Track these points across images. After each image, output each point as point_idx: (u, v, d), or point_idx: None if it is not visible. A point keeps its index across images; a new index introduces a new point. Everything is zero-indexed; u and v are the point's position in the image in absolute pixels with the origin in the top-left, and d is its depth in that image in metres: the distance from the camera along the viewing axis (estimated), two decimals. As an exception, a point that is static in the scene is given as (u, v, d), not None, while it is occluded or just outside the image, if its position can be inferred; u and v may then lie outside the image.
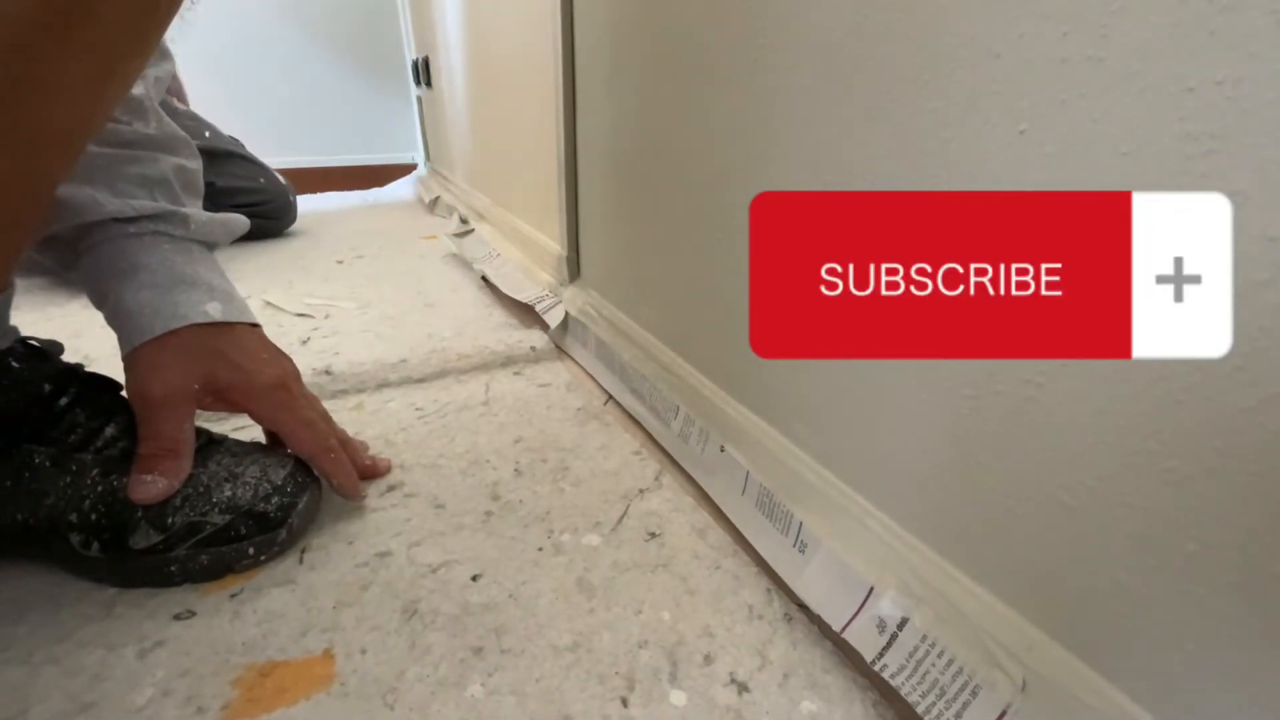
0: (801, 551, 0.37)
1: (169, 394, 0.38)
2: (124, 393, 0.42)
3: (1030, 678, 0.27)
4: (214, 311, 0.41)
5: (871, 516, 0.35)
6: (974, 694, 0.28)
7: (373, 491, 0.47)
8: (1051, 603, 0.27)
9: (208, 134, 1.10)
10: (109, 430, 0.39)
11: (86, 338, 0.70)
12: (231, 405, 0.41)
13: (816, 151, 0.34)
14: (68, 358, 0.41)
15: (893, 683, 0.30)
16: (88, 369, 0.41)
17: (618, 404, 0.59)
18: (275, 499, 0.40)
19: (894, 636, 0.31)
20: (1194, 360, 0.20)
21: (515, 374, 0.67)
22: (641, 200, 0.53)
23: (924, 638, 0.31)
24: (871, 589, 0.33)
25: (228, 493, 0.39)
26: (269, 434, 0.45)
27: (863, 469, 0.36)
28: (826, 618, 0.34)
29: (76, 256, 0.40)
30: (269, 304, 0.83)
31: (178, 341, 0.39)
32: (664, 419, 0.52)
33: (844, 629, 0.33)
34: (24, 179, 0.31)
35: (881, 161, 0.30)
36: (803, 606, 0.37)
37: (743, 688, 0.33)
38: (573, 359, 0.70)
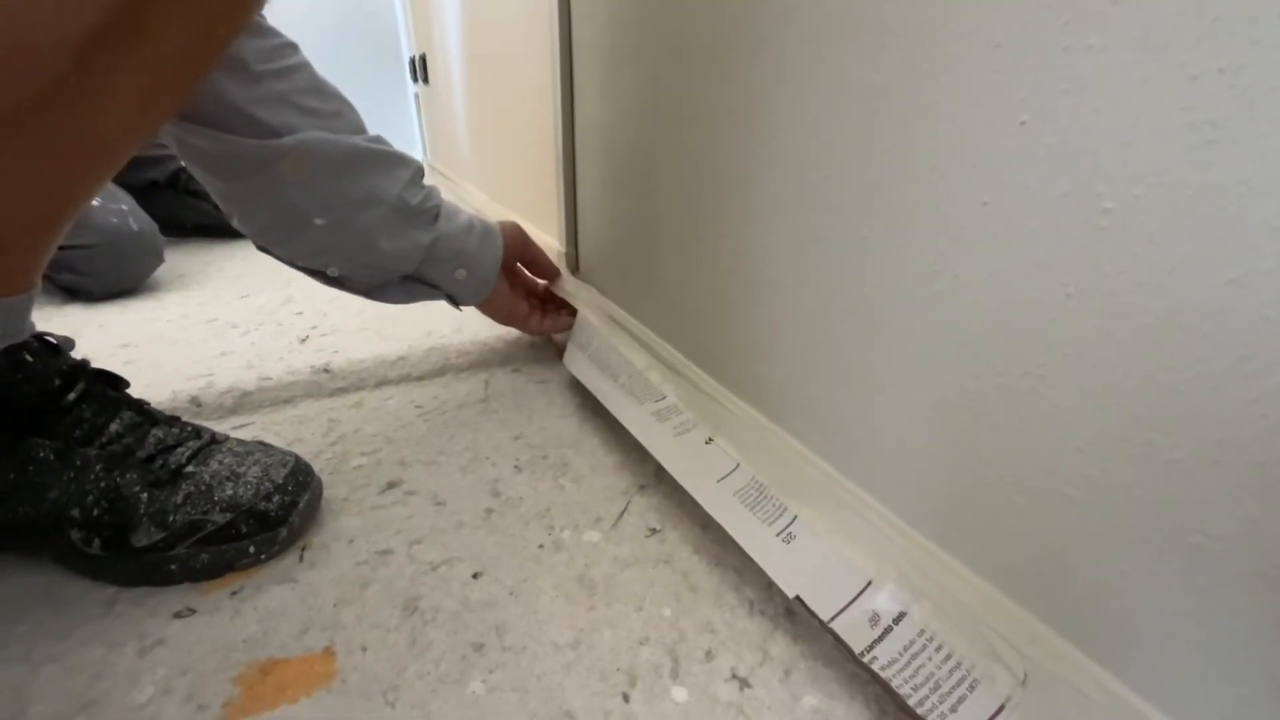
0: (787, 542, 0.37)
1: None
2: (129, 389, 0.42)
3: (1032, 671, 0.27)
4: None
5: (872, 510, 0.35)
6: (971, 688, 0.28)
7: (373, 489, 0.47)
8: (1054, 595, 0.27)
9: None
10: (114, 426, 0.39)
11: (85, 338, 0.70)
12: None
13: (816, 144, 0.34)
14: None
15: (883, 675, 0.30)
16: (107, 370, 0.41)
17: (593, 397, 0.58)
18: (276, 498, 0.40)
19: (888, 630, 0.31)
20: (1198, 350, 0.20)
21: (514, 371, 0.67)
22: (642, 194, 0.53)
23: (921, 631, 0.30)
24: (869, 582, 0.33)
25: (229, 491, 0.39)
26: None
27: (864, 463, 0.36)
28: (814, 608, 0.33)
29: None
30: (267, 301, 0.83)
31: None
32: (642, 404, 0.51)
33: (833, 619, 0.33)
34: (64, 184, 0.32)
35: (881, 154, 0.30)
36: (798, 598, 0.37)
37: (744, 683, 0.33)
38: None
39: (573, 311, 0.63)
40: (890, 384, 0.32)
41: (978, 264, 0.27)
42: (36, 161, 0.29)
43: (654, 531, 0.44)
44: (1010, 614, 0.28)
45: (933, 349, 0.30)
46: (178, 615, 0.36)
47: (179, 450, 0.40)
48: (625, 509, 0.46)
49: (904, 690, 0.29)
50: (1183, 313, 0.20)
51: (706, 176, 0.43)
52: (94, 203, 0.80)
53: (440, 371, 0.66)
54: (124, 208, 0.84)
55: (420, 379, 0.65)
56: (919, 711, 0.28)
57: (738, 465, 0.43)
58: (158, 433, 0.40)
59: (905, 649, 0.30)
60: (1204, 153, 0.19)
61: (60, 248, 0.80)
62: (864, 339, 0.33)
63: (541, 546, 0.42)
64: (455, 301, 0.57)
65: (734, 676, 0.33)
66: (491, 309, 0.60)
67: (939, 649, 0.29)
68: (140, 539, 0.37)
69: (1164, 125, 0.20)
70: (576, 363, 0.60)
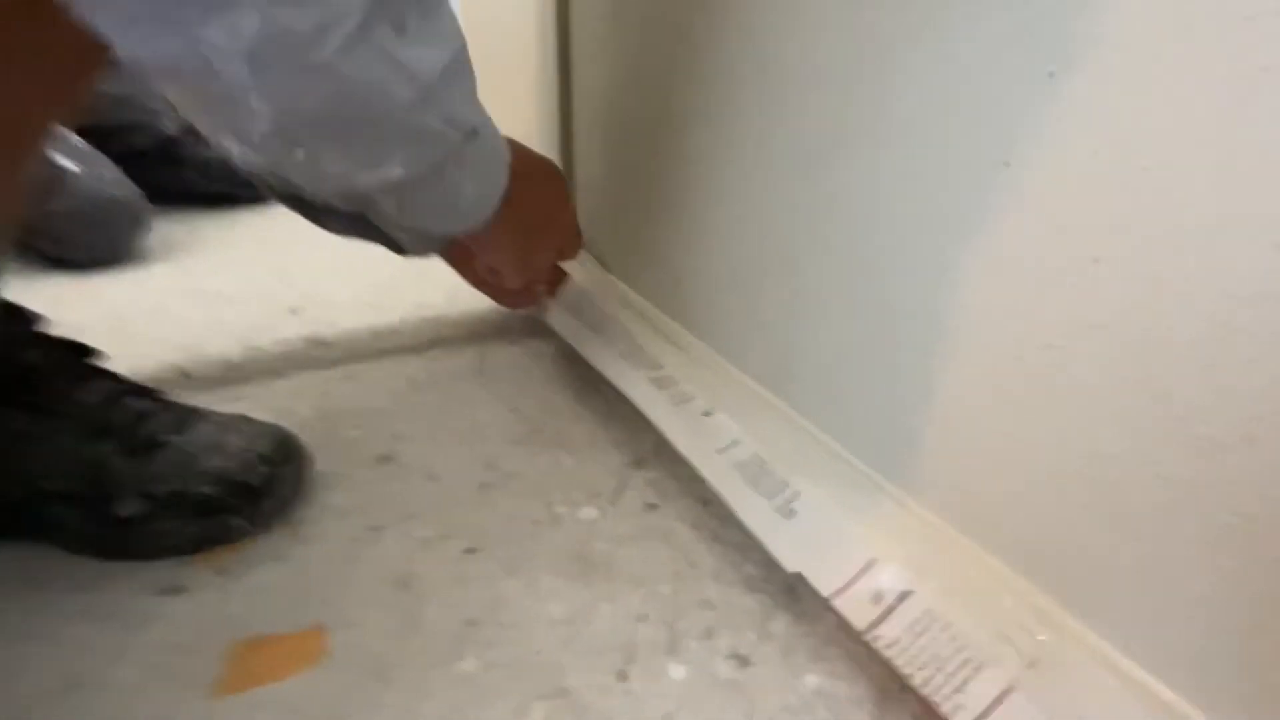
0: (787, 517, 0.36)
1: None
2: (108, 361, 0.41)
3: (1042, 652, 0.26)
4: None
5: (878, 487, 0.34)
6: (978, 669, 0.27)
7: (365, 463, 0.46)
8: (1069, 575, 0.26)
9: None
10: (87, 395, 0.37)
11: (72, 308, 0.69)
12: None
13: (828, 99, 0.32)
14: (59, 331, 0.40)
15: (885, 654, 0.29)
16: (78, 340, 0.40)
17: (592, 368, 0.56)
18: (261, 469, 0.38)
19: (891, 609, 0.30)
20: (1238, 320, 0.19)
21: (510, 343, 0.65)
22: (642, 163, 0.51)
23: (926, 611, 0.30)
24: (873, 560, 0.32)
25: (215, 463, 0.38)
26: None
27: (871, 439, 0.35)
28: (815, 584, 0.32)
29: None
30: (259, 271, 0.81)
31: None
32: (637, 369, 0.50)
33: (833, 596, 0.32)
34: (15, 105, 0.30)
35: (896, 108, 0.28)
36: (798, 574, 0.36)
37: (744, 661, 0.32)
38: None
39: (551, 290, 0.59)
40: (901, 358, 0.31)
41: (996, 229, 0.25)
42: None
43: (652, 507, 0.43)
44: (1022, 593, 0.27)
45: (946, 320, 0.28)
46: (165, 592, 0.35)
47: (156, 419, 0.38)
48: (624, 483, 0.45)
49: (907, 670, 0.28)
50: (1224, 279, 0.19)
51: (712, 141, 0.41)
52: (76, 169, 0.78)
53: (434, 343, 0.64)
54: (107, 175, 0.82)
55: (414, 351, 0.63)
56: (922, 692, 0.27)
57: (737, 439, 0.42)
58: (132, 402, 0.39)
59: (909, 628, 0.29)
60: (1256, 103, 0.18)
61: (42, 214, 0.76)
62: (874, 310, 0.32)
63: (537, 522, 0.41)
64: (400, 249, 0.46)
65: (734, 654, 0.33)
66: (459, 266, 0.50)
67: (944, 629, 0.29)
68: (123, 509, 0.36)
69: (1211, 73, 0.18)
70: (563, 323, 0.58)
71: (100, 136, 0.87)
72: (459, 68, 0.27)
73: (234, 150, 0.26)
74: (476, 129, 0.30)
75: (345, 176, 0.27)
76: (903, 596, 0.30)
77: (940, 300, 0.28)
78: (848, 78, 0.30)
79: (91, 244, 0.79)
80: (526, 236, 0.43)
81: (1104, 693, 0.24)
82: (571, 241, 0.51)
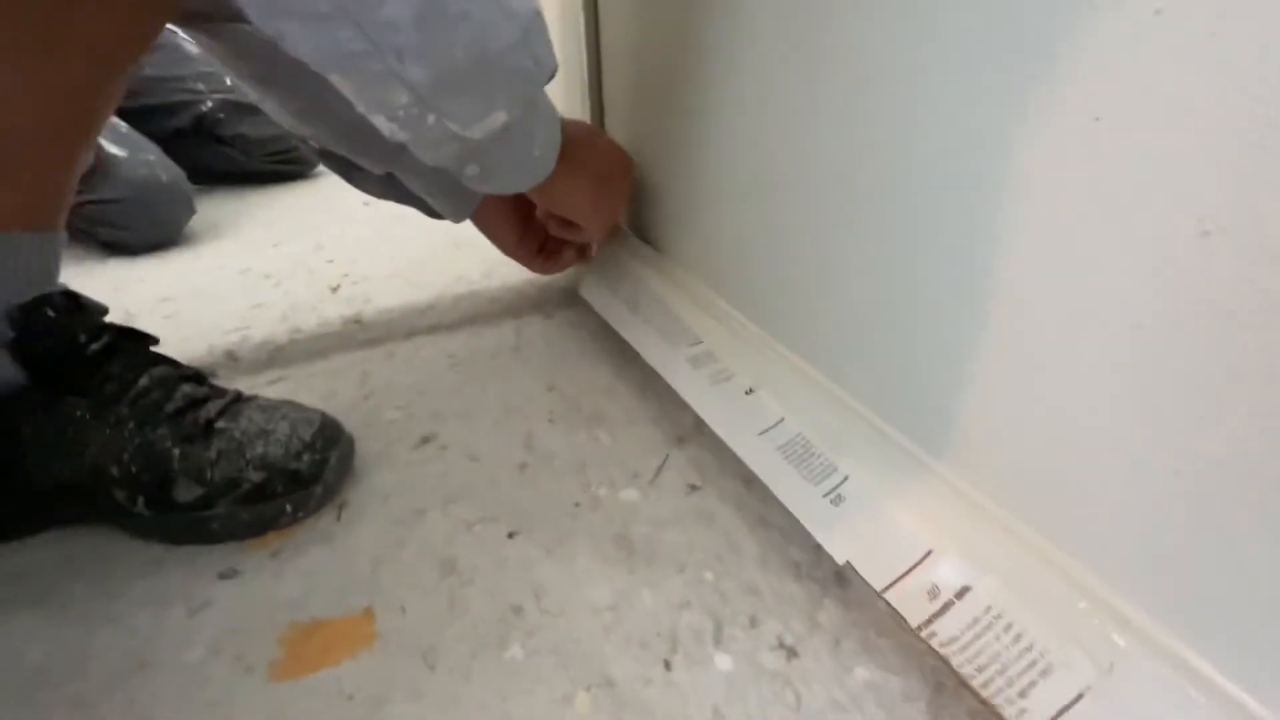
0: (835, 504, 0.34)
1: None
2: (160, 346, 0.42)
3: (1120, 658, 0.24)
4: None
5: (934, 473, 0.32)
6: (1044, 673, 0.25)
7: (407, 444, 0.46)
8: (1153, 577, 0.23)
9: (228, 81, 1.06)
10: (143, 381, 0.38)
11: (126, 292, 0.71)
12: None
13: (875, 36, 0.28)
14: (110, 316, 0.41)
15: (942, 652, 0.28)
16: (130, 325, 0.41)
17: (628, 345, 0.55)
18: (306, 456, 0.39)
19: (949, 604, 0.29)
20: None
21: (547, 317, 0.64)
22: (677, 119, 0.48)
23: (988, 608, 0.28)
24: (930, 552, 0.30)
25: (260, 449, 0.39)
26: None
27: (927, 419, 0.32)
28: (865, 575, 0.31)
29: None
30: (299, 249, 0.82)
31: None
32: (675, 347, 0.48)
33: (886, 589, 0.31)
34: (66, 89, 0.32)
35: (954, 48, 0.25)
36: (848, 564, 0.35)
37: (791, 652, 0.31)
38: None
39: (584, 255, 0.58)
40: (960, 334, 0.28)
41: (1084, 195, 0.22)
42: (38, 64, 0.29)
43: (694, 488, 0.42)
44: (1096, 593, 0.25)
45: (1020, 293, 0.25)
46: (223, 576, 0.36)
47: (209, 405, 0.39)
48: (663, 464, 0.44)
49: (965, 670, 0.27)
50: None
51: (750, 105, 0.38)
52: (121, 154, 0.79)
53: (472, 320, 0.64)
54: (151, 158, 0.83)
55: (452, 327, 0.63)
56: (983, 695, 0.26)
57: (782, 419, 0.40)
58: (186, 388, 0.39)
59: (969, 626, 0.28)
60: None
61: (94, 202, 0.79)
62: (935, 280, 0.29)
63: (578, 504, 0.41)
64: (431, 211, 0.50)
65: (780, 645, 0.32)
66: (491, 232, 0.53)
67: (1008, 628, 0.27)
68: (181, 494, 0.37)
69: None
70: (599, 297, 0.56)
71: (140, 117, 0.88)
72: (539, 9, 0.29)
73: (383, 127, 0.29)
74: (554, 70, 0.32)
75: (461, 135, 0.30)
76: (962, 592, 0.29)
77: (1007, 267, 0.25)
78: (923, 21, 0.27)
79: (141, 229, 0.81)
80: (598, 181, 0.46)
81: (1188, 705, 0.22)
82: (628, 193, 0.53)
